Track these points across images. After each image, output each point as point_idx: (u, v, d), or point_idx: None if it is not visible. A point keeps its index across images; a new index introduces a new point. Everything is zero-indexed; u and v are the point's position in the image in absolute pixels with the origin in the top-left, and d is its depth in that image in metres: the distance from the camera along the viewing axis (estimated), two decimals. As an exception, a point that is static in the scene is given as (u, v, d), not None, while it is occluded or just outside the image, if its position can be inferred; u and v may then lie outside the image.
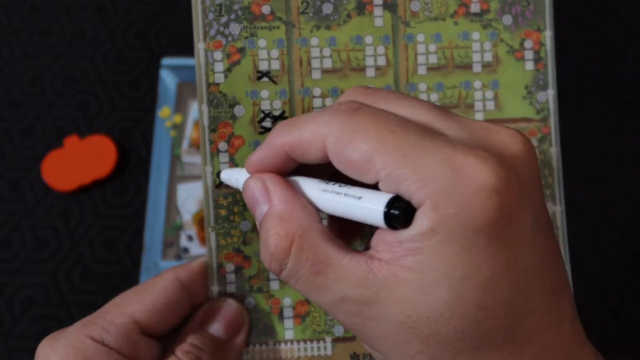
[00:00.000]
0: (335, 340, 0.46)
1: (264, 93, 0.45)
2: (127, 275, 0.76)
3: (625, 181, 0.81)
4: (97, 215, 0.78)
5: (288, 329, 0.46)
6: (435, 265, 0.32)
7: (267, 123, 0.46)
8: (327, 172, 0.39)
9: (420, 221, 0.32)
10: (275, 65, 0.46)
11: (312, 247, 0.35)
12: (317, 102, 0.46)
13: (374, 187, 0.34)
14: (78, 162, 0.79)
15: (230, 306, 0.45)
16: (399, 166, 0.32)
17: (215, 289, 0.46)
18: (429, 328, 0.32)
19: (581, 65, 0.85)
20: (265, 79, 0.46)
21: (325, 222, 0.43)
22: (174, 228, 0.77)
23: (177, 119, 0.81)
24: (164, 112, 0.81)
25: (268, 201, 0.38)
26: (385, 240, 0.34)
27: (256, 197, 0.39)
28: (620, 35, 0.86)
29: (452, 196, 0.32)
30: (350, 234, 0.44)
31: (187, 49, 0.85)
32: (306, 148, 0.36)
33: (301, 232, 0.36)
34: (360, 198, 0.34)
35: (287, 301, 0.46)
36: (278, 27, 0.45)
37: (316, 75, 0.46)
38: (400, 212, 0.32)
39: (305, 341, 0.46)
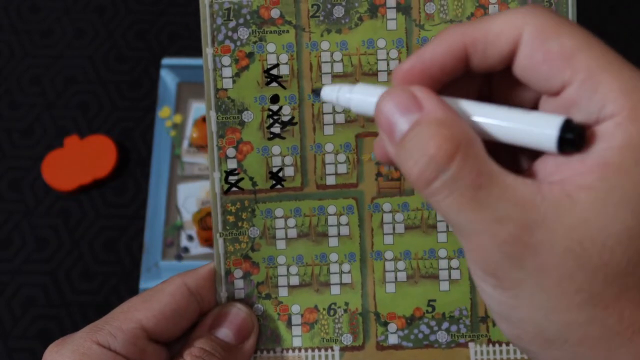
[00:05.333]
0: (344, 349, 0.46)
1: (273, 98, 0.45)
2: (127, 275, 0.75)
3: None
4: (97, 215, 0.78)
5: (296, 337, 0.46)
6: (623, 185, 0.29)
7: (276, 129, 0.45)
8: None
9: (613, 133, 0.29)
10: (285, 70, 0.45)
11: (478, 157, 0.31)
12: (327, 108, 0.45)
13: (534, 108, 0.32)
14: (78, 162, 0.79)
15: (239, 311, 0.45)
16: (601, 70, 0.30)
17: (223, 295, 0.46)
18: (601, 258, 0.29)
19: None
20: (274, 84, 0.45)
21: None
22: (174, 228, 0.77)
23: (177, 119, 0.81)
24: (164, 112, 0.81)
25: (419, 109, 0.32)
26: (557, 161, 0.31)
27: (399, 109, 0.33)
28: (620, 35, 0.86)
29: None
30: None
31: (187, 49, 0.85)
32: (494, 39, 0.33)
33: (467, 140, 0.31)
34: (526, 120, 0.31)
35: (295, 308, 0.46)
36: (287, 31, 0.45)
37: (326, 80, 0.45)
38: (576, 136, 0.30)
39: (313, 349, 0.46)
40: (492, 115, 0.32)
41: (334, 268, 0.46)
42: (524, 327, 0.32)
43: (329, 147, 0.46)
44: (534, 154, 0.33)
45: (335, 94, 0.38)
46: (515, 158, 0.35)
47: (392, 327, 0.46)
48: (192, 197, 0.78)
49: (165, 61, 0.83)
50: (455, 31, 0.34)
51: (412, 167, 0.32)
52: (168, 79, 0.83)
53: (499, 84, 0.35)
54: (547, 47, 0.31)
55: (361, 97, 0.36)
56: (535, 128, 0.31)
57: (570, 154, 0.30)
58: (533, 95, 0.34)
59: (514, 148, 0.33)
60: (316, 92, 0.40)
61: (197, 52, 0.84)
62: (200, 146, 0.79)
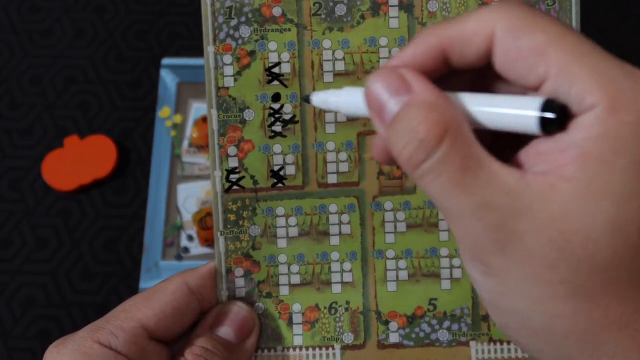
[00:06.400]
0: (345, 348, 0.46)
1: (275, 97, 0.45)
2: (127, 275, 0.75)
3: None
4: (97, 215, 0.78)
5: (297, 335, 0.46)
6: (603, 175, 0.29)
7: (277, 127, 0.45)
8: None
9: (591, 124, 0.29)
10: (286, 69, 0.45)
11: (466, 141, 0.31)
12: (328, 106, 0.45)
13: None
14: (78, 162, 0.79)
15: (240, 309, 0.45)
16: (575, 62, 0.30)
17: (224, 293, 0.46)
18: (584, 250, 0.29)
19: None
20: (275, 82, 0.45)
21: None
22: (174, 228, 0.77)
23: (177, 118, 0.81)
24: (164, 112, 0.81)
25: (408, 91, 0.32)
26: (540, 151, 0.31)
27: (388, 90, 0.33)
28: (620, 35, 0.86)
29: (631, 103, 0.29)
30: None
31: (187, 49, 0.85)
32: (468, 39, 0.32)
33: (456, 124, 0.31)
34: (509, 103, 0.31)
35: (296, 307, 0.46)
36: (289, 29, 0.45)
37: (328, 78, 0.45)
38: (557, 114, 0.30)
39: (314, 348, 0.46)
40: (477, 100, 0.32)
41: (335, 267, 0.46)
42: (511, 316, 0.32)
43: (330, 145, 0.46)
44: (519, 146, 0.32)
45: (324, 97, 0.38)
46: (500, 150, 0.35)
47: (393, 325, 0.46)
48: (192, 197, 0.78)
49: (165, 61, 0.83)
50: (432, 33, 0.34)
51: (402, 150, 0.32)
52: (168, 79, 0.82)
53: (489, 78, 0.35)
54: (519, 44, 0.31)
55: (349, 98, 0.37)
56: (516, 110, 0.31)
57: (553, 134, 0.30)
58: (520, 89, 0.34)
59: (500, 139, 0.33)
60: (306, 99, 0.40)
61: (197, 52, 0.84)
62: (200, 146, 0.79)
